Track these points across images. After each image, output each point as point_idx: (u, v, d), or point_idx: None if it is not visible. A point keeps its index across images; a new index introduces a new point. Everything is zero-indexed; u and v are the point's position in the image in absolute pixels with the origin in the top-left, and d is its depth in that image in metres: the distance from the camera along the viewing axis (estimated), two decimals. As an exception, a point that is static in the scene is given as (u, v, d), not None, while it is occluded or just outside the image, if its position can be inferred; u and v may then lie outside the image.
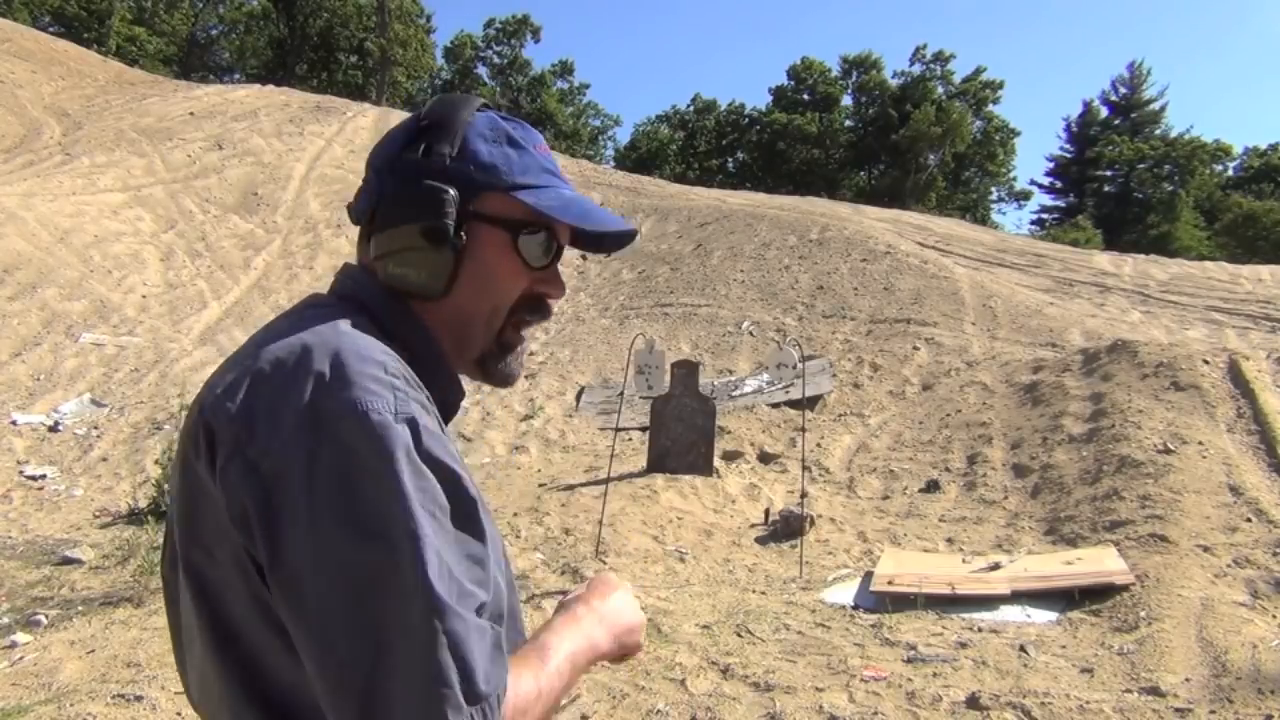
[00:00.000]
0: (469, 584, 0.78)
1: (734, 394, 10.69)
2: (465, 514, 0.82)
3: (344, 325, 0.86)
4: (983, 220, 45.75)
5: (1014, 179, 55.39)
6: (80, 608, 4.94)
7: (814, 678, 3.99)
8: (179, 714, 3.50)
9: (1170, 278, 18.24)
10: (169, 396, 9.63)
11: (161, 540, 0.91)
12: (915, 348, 11.81)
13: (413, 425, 0.79)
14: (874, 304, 13.56)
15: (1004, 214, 69.12)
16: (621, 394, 9.09)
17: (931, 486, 7.96)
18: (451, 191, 0.92)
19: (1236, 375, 8.49)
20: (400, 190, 0.93)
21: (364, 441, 0.76)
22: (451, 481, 0.81)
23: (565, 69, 56.47)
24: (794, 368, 8.20)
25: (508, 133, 0.98)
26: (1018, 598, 5.02)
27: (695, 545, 6.62)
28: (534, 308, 0.98)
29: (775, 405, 10.17)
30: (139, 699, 3.59)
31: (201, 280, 14.65)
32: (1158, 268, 19.60)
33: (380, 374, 0.81)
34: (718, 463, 8.32)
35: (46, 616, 4.80)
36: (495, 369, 0.99)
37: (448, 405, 0.95)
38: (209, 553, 0.83)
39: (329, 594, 0.74)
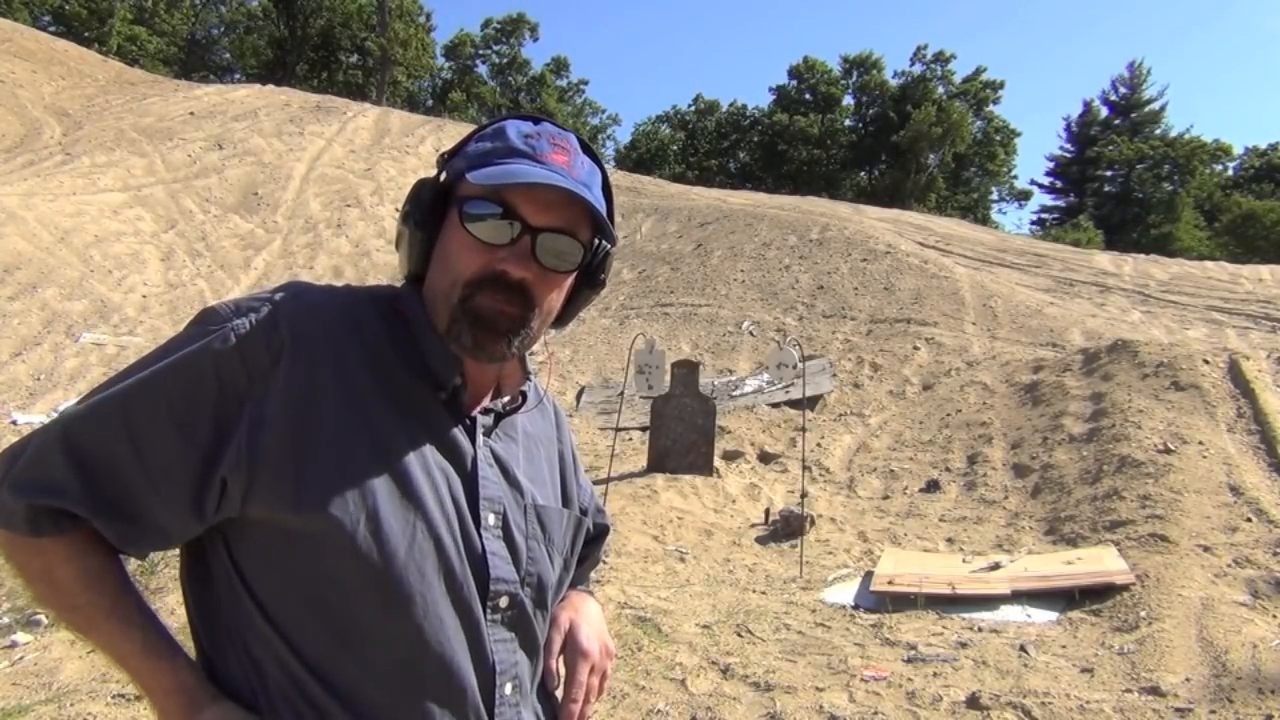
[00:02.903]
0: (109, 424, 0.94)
1: (734, 394, 10.70)
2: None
3: (330, 285, 1.05)
4: (983, 220, 45.75)
5: (1014, 179, 55.48)
6: (80, 607, 4.94)
7: (814, 677, 3.99)
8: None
9: (1170, 277, 18.24)
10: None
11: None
12: (915, 348, 11.81)
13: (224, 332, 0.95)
14: (874, 304, 13.56)
15: (1004, 214, 69.16)
16: (622, 394, 9.09)
17: (932, 486, 7.96)
18: (429, 182, 1.03)
19: (1237, 375, 8.49)
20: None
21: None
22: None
23: (560, 66, 56.47)
24: (794, 367, 8.20)
25: (504, 128, 1.03)
26: (1018, 598, 5.02)
27: (695, 545, 6.62)
28: (494, 284, 0.99)
29: (775, 405, 10.17)
30: (139, 699, 3.59)
31: (202, 280, 14.65)
32: (1158, 268, 19.60)
33: (264, 300, 0.98)
34: (718, 463, 8.32)
35: (47, 616, 4.80)
36: (460, 338, 1.00)
37: (437, 372, 1.03)
38: None
39: None
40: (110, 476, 0.93)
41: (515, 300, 0.99)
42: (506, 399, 1.11)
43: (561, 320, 1.11)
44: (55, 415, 0.94)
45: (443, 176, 1.04)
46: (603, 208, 1.04)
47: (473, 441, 1.04)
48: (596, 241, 1.06)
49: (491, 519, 1.02)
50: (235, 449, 0.92)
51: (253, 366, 0.93)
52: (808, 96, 53.44)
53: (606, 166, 1.11)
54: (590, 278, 1.09)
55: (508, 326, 1.00)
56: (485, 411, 1.08)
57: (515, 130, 1.02)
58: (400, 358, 1.01)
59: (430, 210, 1.01)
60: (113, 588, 0.98)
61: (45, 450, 0.94)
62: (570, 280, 1.06)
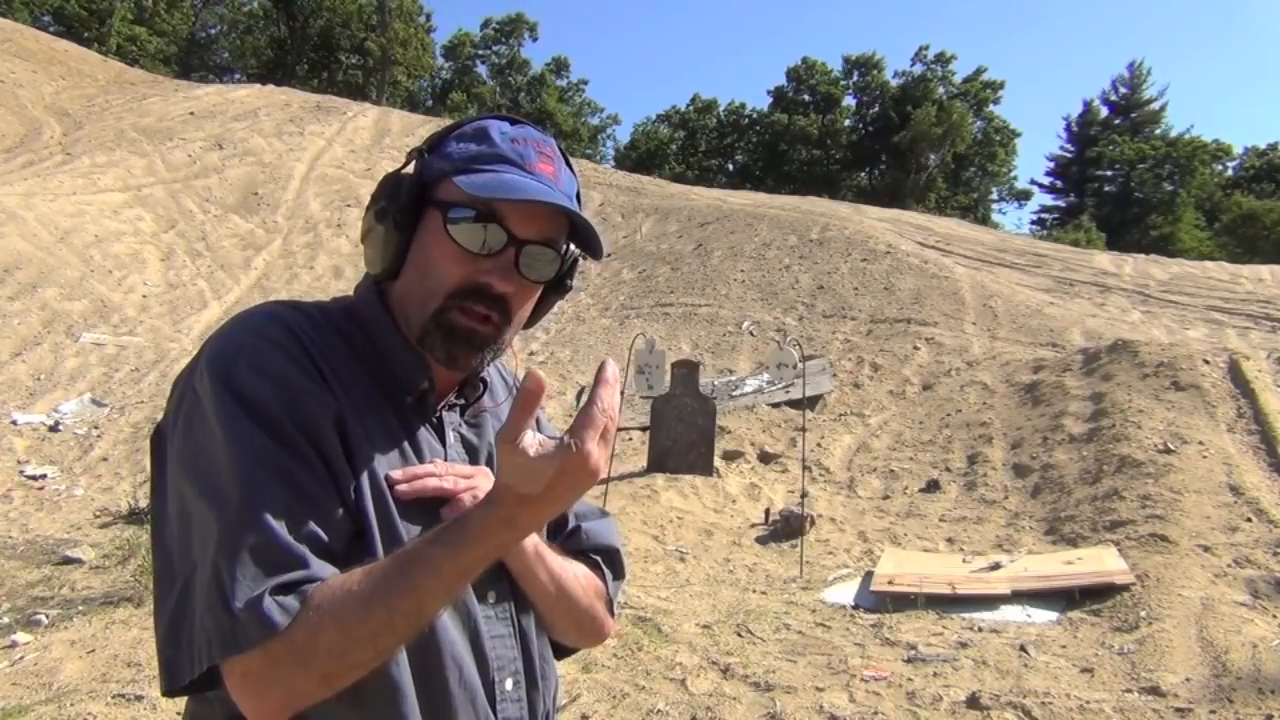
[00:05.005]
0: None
1: (734, 394, 10.69)
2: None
3: (265, 304, 0.99)
4: (983, 220, 45.73)
5: (1014, 179, 55.47)
6: (80, 607, 4.94)
7: (814, 677, 3.99)
8: (179, 714, 3.50)
9: (1170, 277, 18.25)
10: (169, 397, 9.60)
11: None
12: (915, 347, 11.81)
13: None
14: (874, 304, 13.56)
15: (1004, 214, 69.09)
16: (621, 394, 9.08)
17: (932, 486, 7.96)
18: (405, 178, 0.99)
19: (1237, 375, 8.49)
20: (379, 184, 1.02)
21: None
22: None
23: (560, 66, 56.49)
24: (794, 367, 8.21)
25: (487, 129, 1.00)
26: (1018, 597, 5.02)
27: (695, 545, 6.63)
28: (475, 295, 0.97)
29: (775, 405, 10.17)
30: (139, 699, 3.59)
31: (202, 280, 14.65)
32: (1158, 268, 19.61)
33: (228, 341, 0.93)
34: (718, 462, 8.32)
35: (47, 616, 4.80)
36: (433, 349, 0.99)
37: (403, 378, 1.01)
38: None
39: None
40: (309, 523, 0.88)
41: (494, 313, 0.98)
42: (468, 391, 1.09)
43: (526, 325, 1.10)
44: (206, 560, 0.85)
45: (412, 170, 1.01)
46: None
47: (443, 440, 1.04)
48: (567, 247, 1.04)
49: None
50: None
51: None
52: (806, 97, 53.46)
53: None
54: (558, 283, 1.07)
55: (481, 342, 0.99)
56: (451, 407, 1.07)
57: (499, 133, 1.00)
58: (365, 367, 1.00)
59: (409, 210, 0.98)
60: (369, 583, 0.84)
61: (242, 544, 0.83)
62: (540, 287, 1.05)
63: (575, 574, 1.09)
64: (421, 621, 0.86)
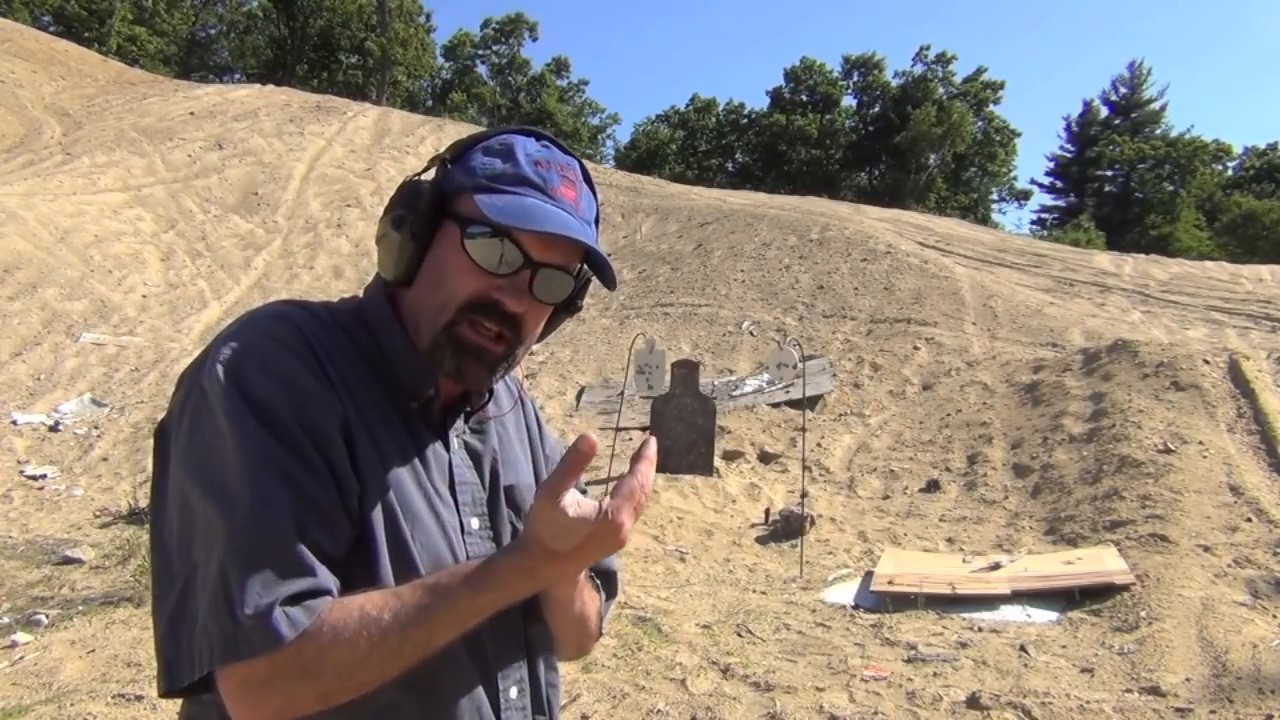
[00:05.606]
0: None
1: (734, 394, 10.69)
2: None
3: (272, 307, 0.98)
4: (983, 220, 45.72)
5: (1014, 179, 55.44)
6: (80, 607, 4.94)
7: (814, 677, 3.99)
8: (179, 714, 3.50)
9: (1170, 277, 18.24)
10: (169, 396, 9.59)
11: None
12: (915, 347, 11.81)
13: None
14: (874, 304, 13.56)
15: (1004, 214, 69.07)
16: (622, 394, 9.09)
17: (932, 486, 7.96)
18: (424, 187, 0.99)
19: (1237, 375, 8.49)
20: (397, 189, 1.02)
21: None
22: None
23: (560, 66, 56.46)
24: (794, 367, 8.21)
25: (513, 147, 1.00)
26: (1018, 597, 5.02)
27: (695, 545, 6.63)
28: (487, 312, 0.97)
29: (775, 405, 10.17)
30: (139, 699, 3.59)
31: (202, 280, 14.65)
32: (1158, 267, 19.61)
33: (237, 344, 0.92)
34: (718, 462, 8.32)
35: (47, 616, 4.79)
36: (442, 363, 0.98)
37: (409, 384, 1.00)
38: None
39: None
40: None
41: (506, 331, 0.98)
42: (473, 398, 1.09)
43: (535, 341, 1.10)
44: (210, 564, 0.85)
45: (434, 177, 1.01)
46: (596, 241, 1.03)
47: (447, 447, 1.04)
48: (581, 268, 1.04)
49: (475, 523, 1.03)
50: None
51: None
52: (804, 98, 53.45)
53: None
54: (569, 303, 1.07)
55: (492, 360, 0.99)
56: (455, 414, 1.07)
57: (525, 154, 0.99)
58: (371, 371, 0.99)
59: (427, 220, 0.98)
60: (391, 611, 0.85)
61: (251, 554, 0.83)
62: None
63: (590, 599, 1.12)
64: (427, 653, 0.87)
